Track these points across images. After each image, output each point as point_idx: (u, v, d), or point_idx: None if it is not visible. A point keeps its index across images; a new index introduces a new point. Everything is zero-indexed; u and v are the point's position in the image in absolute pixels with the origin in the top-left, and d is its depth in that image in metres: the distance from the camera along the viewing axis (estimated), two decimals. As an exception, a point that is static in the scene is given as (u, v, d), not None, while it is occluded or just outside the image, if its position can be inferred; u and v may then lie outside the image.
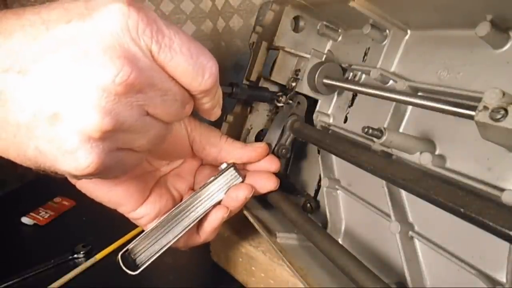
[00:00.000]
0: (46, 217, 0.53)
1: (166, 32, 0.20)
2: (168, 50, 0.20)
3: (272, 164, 0.33)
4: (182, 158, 0.33)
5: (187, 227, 0.30)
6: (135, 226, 0.48)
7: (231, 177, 0.31)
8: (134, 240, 0.29)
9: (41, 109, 0.19)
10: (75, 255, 0.45)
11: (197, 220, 0.30)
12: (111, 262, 0.44)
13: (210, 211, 0.30)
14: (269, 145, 0.34)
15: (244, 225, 0.38)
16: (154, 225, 0.29)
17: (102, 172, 0.21)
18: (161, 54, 0.20)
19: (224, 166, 0.31)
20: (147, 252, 0.29)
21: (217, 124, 0.34)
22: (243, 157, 0.32)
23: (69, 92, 0.19)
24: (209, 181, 0.30)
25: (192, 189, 0.34)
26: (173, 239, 0.29)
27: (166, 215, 0.29)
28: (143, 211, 0.30)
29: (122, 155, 0.22)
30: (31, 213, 0.54)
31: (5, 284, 0.41)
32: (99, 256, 0.45)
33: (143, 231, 0.30)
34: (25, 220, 0.53)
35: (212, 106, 0.25)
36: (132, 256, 0.28)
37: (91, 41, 0.19)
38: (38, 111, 0.19)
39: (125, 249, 0.28)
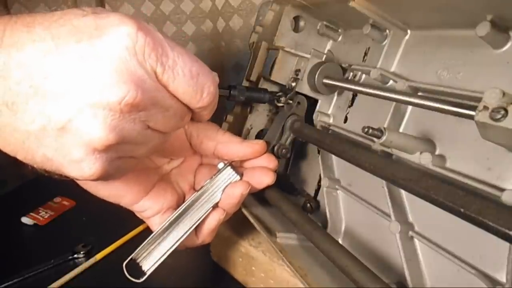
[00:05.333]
0: (46, 217, 0.53)
1: (170, 55, 0.22)
2: (171, 72, 0.22)
3: (270, 162, 0.33)
4: (181, 155, 0.34)
5: (188, 230, 0.30)
6: (135, 226, 0.48)
7: (229, 176, 0.31)
8: (138, 248, 0.29)
9: (50, 121, 0.20)
10: (75, 255, 0.45)
11: (198, 222, 0.30)
12: (111, 262, 0.44)
13: (208, 213, 0.30)
14: (267, 143, 0.34)
15: (244, 225, 0.38)
16: (156, 231, 0.29)
17: (104, 178, 0.22)
18: (165, 75, 0.22)
19: (221, 165, 0.31)
20: (151, 257, 0.29)
21: (217, 124, 0.34)
22: (239, 152, 0.32)
23: (78, 108, 0.20)
24: (207, 182, 0.30)
25: (193, 188, 0.34)
26: (175, 243, 0.29)
27: (168, 219, 0.29)
28: (146, 204, 0.30)
29: (122, 162, 0.24)
30: (31, 213, 0.53)
31: (5, 284, 0.41)
32: (99, 256, 0.44)
33: (143, 231, 0.30)
34: (25, 220, 0.53)
35: (207, 117, 0.26)
36: (137, 263, 0.29)
37: (100, 63, 0.20)
38: (47, 123, 0.20)
39: (129, 258, 0.28)
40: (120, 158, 0.23)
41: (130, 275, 0.28)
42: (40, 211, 0.54)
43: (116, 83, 0.20)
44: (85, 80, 0.20)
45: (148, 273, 0.29)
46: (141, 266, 0.29)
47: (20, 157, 0.21)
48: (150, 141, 0.24)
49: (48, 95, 0.19)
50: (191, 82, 0.23)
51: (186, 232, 0.30)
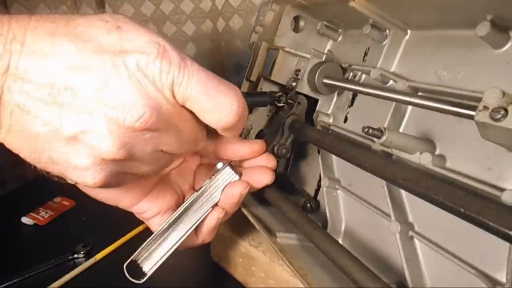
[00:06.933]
0: (46, 217, 0.53)
1: (185, 73, 0.22)
2: (185, 89, 0.22)
3: (269, 162, 0.33)
4: (182, 156, 0.34)
5: (188, 230, 0.30)
6: (134, 226, 0.48)
7: (228, 175, 0.31)
8: (139, 249, 0.29)
9: (63, 128, 0.20)
10: (75, 255, 0.45)
11: (198, 222, 0.30)
12: (111, 262, 0.44)
13: (208, 213, 0.30)
14: (267, 143, 0.34)
15: (244, 225, 0.38)
16: (156, 232, 0.29)
17: (103, 187, 0.23)
18: (180, 92, 0.22)
19: (220, 165, 0.31)
20: (151, 258, 0.29)
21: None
22: (238, 152, 0.32)
23: (93, 121, 0.21)
24: (206, 182, 0.30)
25: (193, 188, 0.34)
26: (175, 243, 0.29)
27: (167, 219, 0.29)
28: (145, 206, 0.30)
29: (125, 177, 0.25)
30: (31, 213, 0.54)
31: (5, 284, 0.41)
32: (99, 256, 0.44)
33: (143, 231, 0.30)
34: (25, 220, 0.53)
35: (235, 137, 0.27)
36: (138, 264, 0.29)
37: (121, 84, 0.21)
38: (59, 129, 0.20)
39: (129, 259, 0.28)
40: (124, 173, 0.24)
41: (130, 276, 0.28)
42: (40, 211, 0.54)
43: (134, 104, 0.21)
44: (106, 97, 0.21)
45: (149, 274, 0.29)
46: (141, 267, 0.29)
47: (24, 155, 0.22)
48: (157, 162, 0.25)
49: (65, 105, 0.20)
50: (207, 99, 0.23)
51: (186, 232, 0.30)
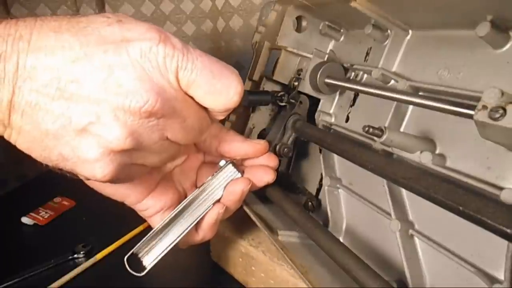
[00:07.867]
0: (46, 217, 0.53)
1: (189, 58, 0.23)
2: (190, 74, 0.23)
3: (270, 161, 0.33)
4: (185, 153, 0.34)
5: (189, 226, 0.30)
6: (135, 226, 0.48)
7: (230, 173, 0.31)
8: (139, 243, 0.29)
9: (71, 122, 0.21)
10: (75, 255, 0.45)
11: (199, 218, 0.30)
12: (111, 262, 0.44)
13: (209, 209, 0.30)
14: (269, 143, 0.34)
15: (244, 225, 0.38)
16: (157, 227, 0.29)
17: (112, 181, 0.23)
18: (185, 77, 0.23)
19: (222, 163, 0.31)
20: (152, 253, 0.29)
21: (220, 123, 0.34)
22: (241, 151, 0.32)
23: (101, 110, 0.21)
24: (209, 179, 0.31)
25: (195, 186, 0.34)
26: (176, 238, 0.30)
27: (169, 215, 0.30)
28: (149, 203, 0.31)
29: (134, 169, 0.25)
30: (31, 213, 0.53)
31: (5, 284, 0.41)
32: (99, 256, 0.44)
33: (143, 231, 0.30)
34: (25, 220, 0.53)
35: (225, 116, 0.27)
36: (138, 258, 0.29)
37: (125, 72, 0.21)
38: (68, 123, 0.21)
39: (130, 252, 0.29)
40: (133, 165, 0.24)
41: (131, 268, 0.28)
42: (40, 211, 0.54)
43: (138, 90, 0.21)
44: (111, 86, 0.21)
45: (149, 267, 0.29)
46: (142, 261, 0.29)
47: (35, 154, 0.22)
48: (165, 152, 0.25)
49: (73, 98, 0.21)
50: (212, 82, 0.24)
51: (187, 228, 0.30)
